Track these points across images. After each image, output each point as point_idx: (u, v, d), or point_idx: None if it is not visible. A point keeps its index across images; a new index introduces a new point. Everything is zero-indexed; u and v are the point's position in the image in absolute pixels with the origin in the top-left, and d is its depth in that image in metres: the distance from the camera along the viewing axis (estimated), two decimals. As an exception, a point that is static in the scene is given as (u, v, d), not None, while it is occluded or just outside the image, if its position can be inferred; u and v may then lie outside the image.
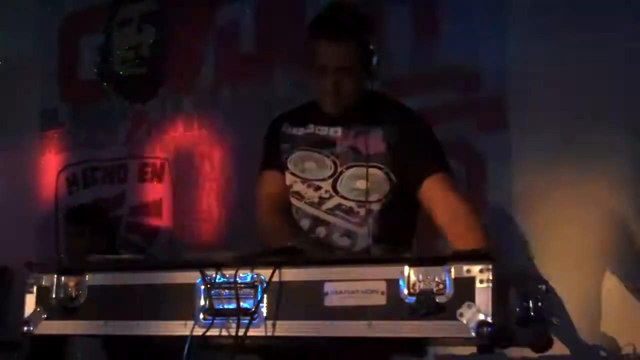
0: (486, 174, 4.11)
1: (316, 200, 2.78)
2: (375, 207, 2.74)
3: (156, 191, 5.03)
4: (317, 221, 2.78)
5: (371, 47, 2.71)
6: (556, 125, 3.93)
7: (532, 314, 2.02)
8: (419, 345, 2.11)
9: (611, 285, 3.75)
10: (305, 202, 2.80)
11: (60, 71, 5.45)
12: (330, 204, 2.77)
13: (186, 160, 4.96)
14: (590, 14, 3.96)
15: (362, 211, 2.73)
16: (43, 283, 2.27)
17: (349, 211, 2.75)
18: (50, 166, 5.35)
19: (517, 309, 1.97)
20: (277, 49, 4.75)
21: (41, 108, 5.46)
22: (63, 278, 2.24)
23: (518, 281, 1.99)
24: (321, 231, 2.77)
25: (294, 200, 2.83)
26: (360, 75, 2.73)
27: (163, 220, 4.99)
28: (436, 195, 2.70)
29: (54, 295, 2.24)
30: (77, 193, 5.26)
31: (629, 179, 3.77)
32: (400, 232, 2.79)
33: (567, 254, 3.75)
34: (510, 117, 4.08)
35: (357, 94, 2.75)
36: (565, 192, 3.87)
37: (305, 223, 2.80)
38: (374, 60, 2.72)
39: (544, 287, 2.16)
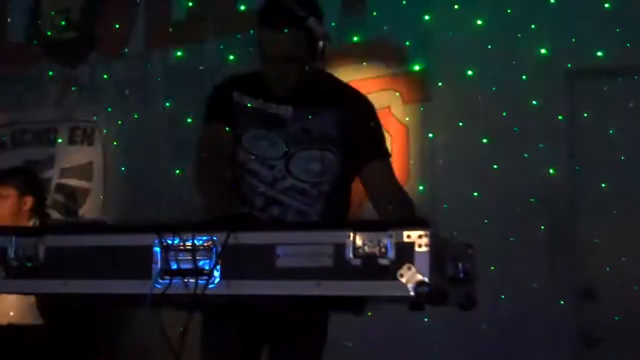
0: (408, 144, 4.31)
1: (270, 179, 2.88)
2: (326, 188, 2.89)
3: (86, 154, 5.10)
4: (271, 200, 2.88)
5: (316, 33, 2.78)
6: (476, 98, 4.15)
7: (462, 275, 2.22)
8: (359, 304, 2.29)
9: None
10: (259, 181, 2.89)
11: (-14, 33, 5.47)
12: (284, 184, 2.88)
13: (116, 124, 5.04)
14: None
15: (314, 192, 2.87)
16: (1, 245, 2.38)
17: (303, 192, 2.88)
18: (-22, 128, 5.38)
19: (450, 271, 2.16)
20: (208, 16, 4.86)
21: (-34, 69, 5.47)
22: (21, 239, 2.35)
23: (451, 245, 2.19)
24: (275, 210, 2.87)
25: (248, 177, 2.90)
26: (306, 60, 2.81)
27: (93, 183, 5.07)
28: (375, 180, 2.89)
29: (12, 256, 2.34)
30: (5, 154, 5.29)
31: (542, 154, 4.02)
32: (343, 208, 2.97)
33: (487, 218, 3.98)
34: (432, 90, 4.29)
35: (303, 77, 2.84)
36: (482, 163, 4.09)
37: (259, 201, 2.89)
38: (320, 44, 2.80)
39: (471, 251, 2.37)
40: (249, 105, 2.92)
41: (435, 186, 4.19)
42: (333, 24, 4.39)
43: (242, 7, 4.68)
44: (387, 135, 3.01)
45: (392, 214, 2.77)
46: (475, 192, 4.05)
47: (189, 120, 4.53)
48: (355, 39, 4.50)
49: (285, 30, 2.75)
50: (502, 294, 3.87)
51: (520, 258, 3.94)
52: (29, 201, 4.34)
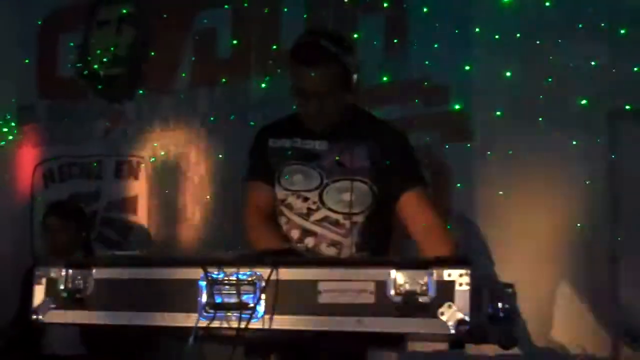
0: (451, 184, 4.33)
1: (304, 211, 2.96)
2: (360, 218, 2.94)
3: (132, 188, 5.20)
4: (306, 232, 2.96)
5: (350, 68, 2.87)
6: (518, 138, 4.16)
7: (501, 314, 2.25)
8: (399, 341, 2.33)
9: (564, 290, 3.98)
10: (294, 213, 2.98)
11: (38, 67, 5.59)
12: (317, 215, 2.95)
13: (162, 159, 5.13)
14: (552, 30, 4.17)
15: (348, 223, 2.92)
16: (52, 275, 2.45)
17: (335, 223, 2.94)
18: (27, 160, 5.49)
19: (489, 310, 2.20)
20: (252, 55, 4.94)
21: (19, 104, 5.60)
22: (71, 271, 2.43)
23: (489, 284, 2.22)
24: (310, 241, 2.95)
25: (285, 211, 2.99)
26: (341, 95, 2.89)
27: (138, 217, 5.15)
28: (412, 210, 2.93)
29: (62, 287, 2.42)
30: (54, 187, 5.40)
31: (586, 188, 3.97)
32: (380, 240, 3.01)
33: (525, 261, 3.97)
34: (475, 129, 4.31)
35: (338, 112, 2.92)
36: (525, 202, 4.09)
37: (295, 233, 2.97)
38: (354, 78, 2.89)
39: (510, 290, 2.40)
40: (284, 146, 3.01)
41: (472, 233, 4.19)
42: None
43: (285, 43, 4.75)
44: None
45: (430, 248, 2.80)
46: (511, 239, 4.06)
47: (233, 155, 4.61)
48: (394, 77, 4.54)
49: (320, 67, 2.82)
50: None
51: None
52: (74, 234, 4.44)
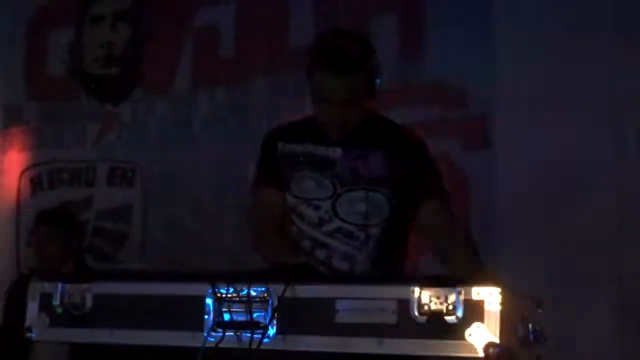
0: (469, 193, 4.32)
1: (316, 221, 2.93)
2: (375, 231, 2.91)
3: (126, 196, 5.18)
4: (317, 243, 2.93)
5: (374, 72, 2.86)
6: (541, 144, 4.16)
7: (532, 337, 2.23)
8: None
9: (594, 308, 3.96)
10: (305, 223, 2.95)
11: (26, 66, 5.58)
12: (330, 226, 2.92)
13: (159, 165, 5.11)
14: (576, 34, 4.18)
15: (362, 235, 2.90)
16: (46, 290, 2.43)
17: (349, 235, 2.91)
18: (14, 165, 5.48)
19: (519, 332, 2.18)
20: (256, 55, 4.93)
21: (4, 104, 5.58)
22: (67, 285, 2.40)
23: (522, 305, 2.20)
24: (321, 253, 2.92)
25: (296, 220, 2.97)
26: (365, 101, 2.88)
27: (132, 227, 5.13)
28: (432, 222, 2.91)
29: (57, 302, 2.39)
30: (42, 194, 5.39)
31: (614, 194, 4.00)
32: (397, 255, 2.98)
33: (552, 274, 3.96)
34: (495, 136, 4.30)
35: (361, 119, 2.90)
36: (549, 212, 4.08)
37: (306, 244, 2.94)
38: (377, 82, 2.88)
39: (541, 312, 2.38)
40: (295, 151, 2.98)
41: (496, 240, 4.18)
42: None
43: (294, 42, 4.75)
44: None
45: (456, 261, 2.79)
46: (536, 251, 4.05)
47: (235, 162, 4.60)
48: (409, 80, 4.53)
49: (348, 74, 2.80)
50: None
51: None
52: (66, 244, 4.42)
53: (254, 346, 2.13)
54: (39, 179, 5.43)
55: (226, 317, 2.20)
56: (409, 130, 3.06)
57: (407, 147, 2.96)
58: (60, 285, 2.39)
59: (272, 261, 2.83)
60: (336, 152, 2.95)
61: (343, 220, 2.92)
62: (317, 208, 2.94)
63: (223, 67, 5.03)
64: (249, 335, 2.15)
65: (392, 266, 2.91)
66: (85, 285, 2.37)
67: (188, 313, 2.25)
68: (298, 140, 2.99)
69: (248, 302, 2.18)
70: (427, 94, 4.51)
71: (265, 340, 2.14)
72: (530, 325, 2.25)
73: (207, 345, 2.18)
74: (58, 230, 4.49)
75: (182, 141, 5.08)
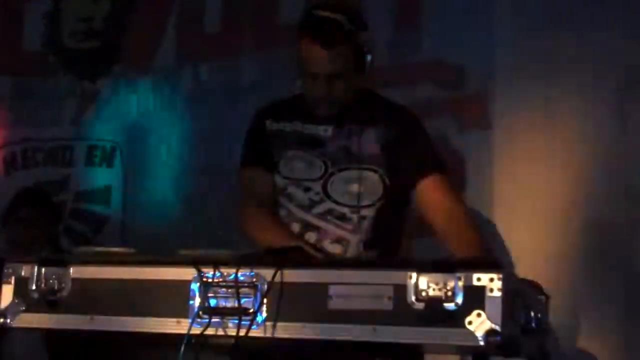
0: (465, 175, 4.31)
1: (306, 203, 2.93)
2: (369, 212, 2.91)
3: (105, 177, 5.15)
4: (307, 226, 2.93)
5: (364, 48, 2.87)
6: (542, 124, 4.15)
7: (534, 325, 2.22)
8: (416, 351, 2.30)
9: (595, 294, 3.96)
10: (295, 205, 2.95)
11: (0, 40, 5.53)
12: (321, 208, 2.93)
13: (140, 145, 5.09)
14: (578, 8, 4.16)
15: (355, 217, 2.90)
16: (22, 274, 2.41)
17: (342, 217, 2.91)
18: (-15, 143, 5.45)
19: (521, 319, 2.17)
20: (244, 29, 4.90)
21: (-24, 79, 5.55)
22: (44, 269, 2.38)
23: (524, 291, 2.19)
24: (311, 236, 2.92)
25: (285, 202, 2.97)
26: (353, 77, 2.89)
27: (112, 209, 5.11)
28: (431, 198, 2.91)
29: (34, 287, 2.38)
30: (15, 174, 5.35)
31: (621, 174, 3.98)
32: (391, 238, 2.98)
33: (550, 260, 3.95)
34: (495, 115, 4.29)
35: (348, 95, 2.91)
36: (549, 196, 4.08)
37: (295, 227, 2.94)
38: (368, 58, 2.88)
39: (543, 298, 2.38)
40: (284, 130, 2.99)
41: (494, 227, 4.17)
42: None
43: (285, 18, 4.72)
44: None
45: (456, 240, 2.77)
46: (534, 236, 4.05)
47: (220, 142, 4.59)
48: (403, 57, 4.51)
49: (336, 47, 2.81)
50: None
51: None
52: (46, 227, 4.39)
53: (241, 333, 2.12)
54: (13, 158, 5.37)
55: (212, 302, 2.19)
56: (402, 106, 3.06)
57: (401, 122, 2.96)
58: (36, 268, 2.38)
59: (261, 244, 2.81)
60: (327, 131, 2.95)
61: (335, 201, 2.92)
62: (307, 190, 2.93)
63: (209, 42, 4.99)
64: (237, 321, 2.14)
65: (387, 249, 2.90)
66: (63, 269, 2.36)
67: (173, 299, 2.25)
68: (287, 118, 3.00)
69: (235, 287, 2.17)
70: (423, 71, 4.49)
71: (254, 327, 2.14)
72: (532, 313, 2.24)
73: (192, 332, 2.17)
74: (38, 212, 4.46)
75: (164, 119, 5.04)
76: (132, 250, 2.42)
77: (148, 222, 4.97)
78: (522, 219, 4.10)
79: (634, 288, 3.89)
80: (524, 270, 3.66)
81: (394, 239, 2.99)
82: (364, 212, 2.91)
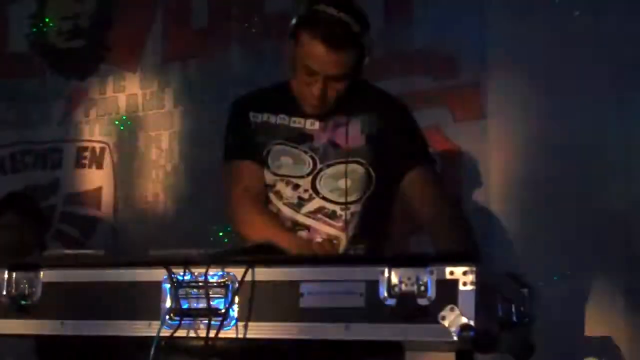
0: (460, 165, 4.30)
1: (295, 201, 2.91)
2: (356, 207, 2.89)
3: (95, 178, 5.16)
4: (297, 225, 2.90)
5: (366, 50, 2.82)
6: (537, 114, 4.14)
7: (515, 319, 2.21)
8: (396, 348, 2.29)
9: (598, 285, 3.95)
10: (284, 203, 2.92)
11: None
12: (311, 206, 2.90)
13: (130, 145, 5.09)
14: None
15: (345, 214, 2.87)
16: (-8, 279, 2.41)
17: (332, 215, 2.90)
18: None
19: (500, 314, 2.15)
20: (232, 24, 4.90)
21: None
22: (14, 274, 2.38)
23: (502, 284, 2.18)
24: (302, 235, 2.88)
25: (274, 200, 2.94)
26: (351, 77, 2.84)
27: (102, 212, 5.11)
28: (418, 191, 2.89)
29: (4, 292, 2.37)
30: (4, 179, 5.36)
31: (616, 170, 3.98)
32: (379, 228, 2.96)
33: (549, 253, 3.95)
34: (489, 105, 4.28)
35: (342, 94, 2.86)
36: (544, 186, 4.07)
37: (286, 225, 2.90)
38: (366, 61, 2.84)
39: (526, 291, 2.36)
40: (269, 122, 2.95)
41: (490, 217, 4.17)
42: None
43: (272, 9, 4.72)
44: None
45: (441, 234, 2.76)
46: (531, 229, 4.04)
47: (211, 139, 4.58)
48: (395, 46, 4.50)
49: (341, 50, 2.76)
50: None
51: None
52: (34, 234, 4.40)
53: (211, 334, 2.11)
54: (1, 162, 5.41)
55: (183, 304, 2.18)
56: (389, 95, 3.03)
57: (388, 112, 2.93)
58: (6, 273, 2.37)
59: (252, 232, 2.81)
60: (314, 124, 2.93)
61: (324, 198, 2.90)
62: (296, 187, 2.91)
63: (196, 39, 5.00)
64: (207, 323, 2.13)
65: (375, 242, 2.89)
66: (33, 273, 2.36)
67: (145, 300, 2.23)
68: (271, 110, 2.96)
69: (206, 288, 2.16)
70: (416, 62, 4.48)
71: (225, 328, 2.13)
72: (513, 306, 2.23)
73: (162, 334, 2.16)
74: (26, 218, 4.46)
75: (153, 117, 5.04)
76: (101, 252, 2.41)
77: (140, 224, 4.98)
78: (517, 209, 4.09)
79: (635, 274, 3.88)
80: (519, 260, 3.70)
81: (381, 231, 2.97)
82: (353, 207, 2.90)
